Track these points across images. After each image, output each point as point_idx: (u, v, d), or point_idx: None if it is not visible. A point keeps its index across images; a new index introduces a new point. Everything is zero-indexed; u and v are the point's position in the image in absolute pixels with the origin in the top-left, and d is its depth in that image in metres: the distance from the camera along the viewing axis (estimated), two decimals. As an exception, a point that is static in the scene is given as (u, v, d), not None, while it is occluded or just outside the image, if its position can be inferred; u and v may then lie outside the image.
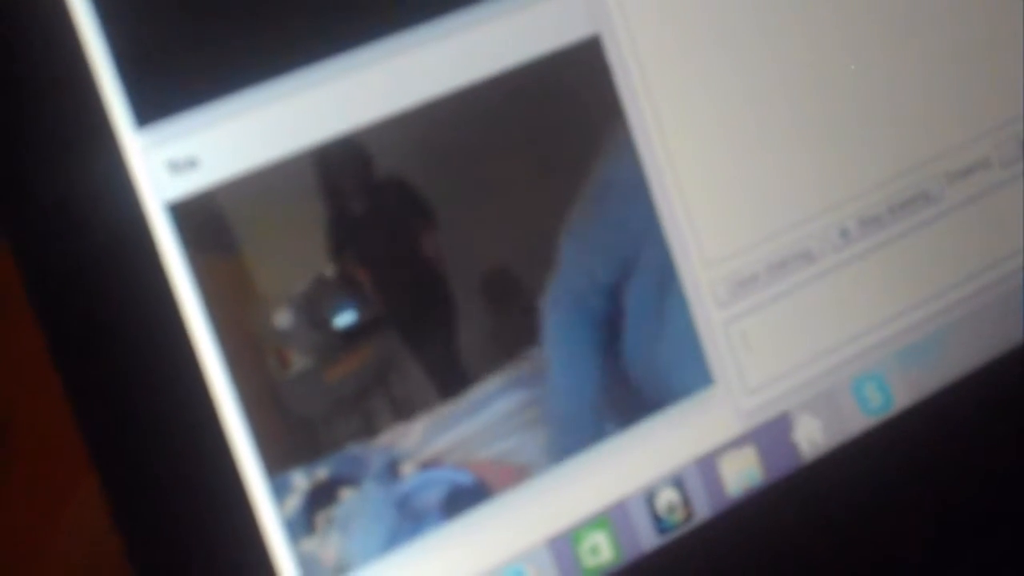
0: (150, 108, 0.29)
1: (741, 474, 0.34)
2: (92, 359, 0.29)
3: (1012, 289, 0.37)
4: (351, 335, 0.31)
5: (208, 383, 0.30)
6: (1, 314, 0.32)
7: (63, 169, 0.29)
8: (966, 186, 0.37)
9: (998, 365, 0.37)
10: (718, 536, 0.34)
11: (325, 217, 0.31)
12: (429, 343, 0.31)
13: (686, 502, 0.34)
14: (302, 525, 0.30)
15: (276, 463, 0.30)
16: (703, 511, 0.34)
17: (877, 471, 0.36)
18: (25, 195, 0.28)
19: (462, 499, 0.32)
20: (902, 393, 0.36)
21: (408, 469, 0.31)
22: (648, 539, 0.34)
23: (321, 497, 0.30)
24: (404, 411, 0.31)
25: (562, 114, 0.33)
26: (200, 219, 0.30)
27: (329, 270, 0.31)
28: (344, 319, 0.31)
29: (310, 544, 0.30)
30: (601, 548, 0.33)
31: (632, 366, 0.33)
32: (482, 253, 0.32)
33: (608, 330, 0.33)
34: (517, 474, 0.32)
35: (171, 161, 0.29)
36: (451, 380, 0.31)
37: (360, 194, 0.31)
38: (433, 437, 0.31)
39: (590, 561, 0.33)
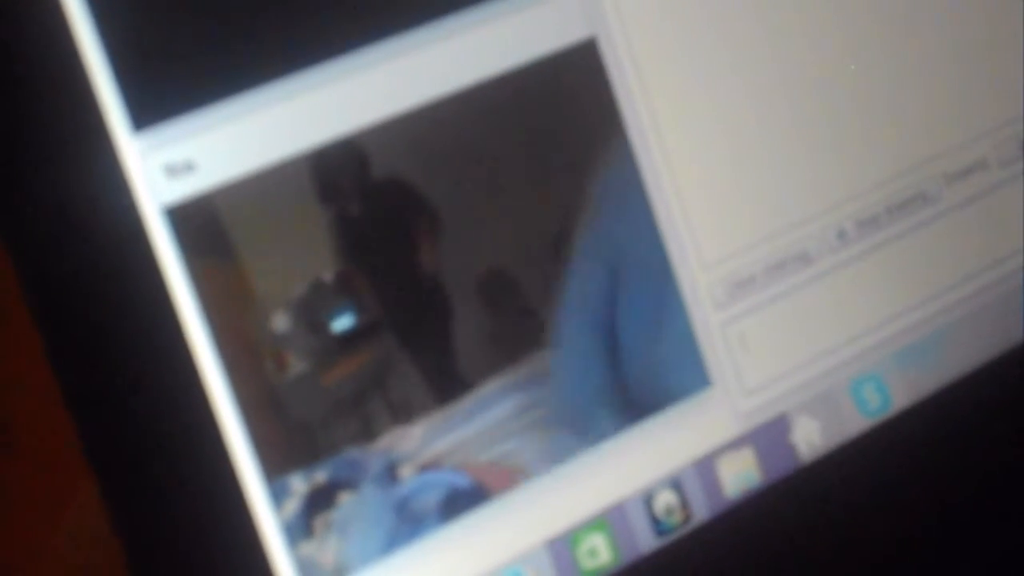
0: (147, 112, 0.29)
1: (739, 476, 0.34)
2: (89, 363, 0.29)
3: (1010, 290, 0.37)
4: (349, 339, 0.31)
5: (206, 387, 0.30)
6: (0, 316, 0.32)
7: (60, 173, 0.29)
8: (964, 187, 0.37)
9: (996, 366, 0.37)
10: (716, 538, 0.34)
11: (323, 220, 0.31)
12: (427, 346, 0.31)
13: (684, 504, 0.34)
14: (300, 529, 0.30)
15: (274, 467, 0.30)
16: (701, 513, 0.34)
17: (876, 472, 0.36)
18: (22, 199, 0.28)
19: (461, 502, 0.32)
20: (900, 394, 0.36)
21: (407, 472, 0.31)
22: (646, 541, 0.34)
23: (320, 500, 0.30)
24: (402, 414, 0.31)
25: (559, 117, 0.32)
26: (197, 223, 0.30)
27: (327, 273, 0.31)
28: (342, 323, 0.31)
29: (309, 548, 0.30)
30: (599, 550, 0.33)
31: (630, 368, 0.33)
32: (479, 256, 0.32)
33: (606, 332, 0.33)
34: (515, 476, 0.32)
35: (168, 165, 0.29)
36: (449, 383, 0.31)
37: (357, 197, 0.31)
38: (432, 440, 0.31)
39: (588, 563, 0.33)
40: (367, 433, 0.31)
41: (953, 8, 0.37)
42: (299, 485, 0.30)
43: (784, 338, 0.35)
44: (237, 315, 0.30)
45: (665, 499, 0.34)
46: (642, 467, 0.33)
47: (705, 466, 0.34)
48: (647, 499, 0.34)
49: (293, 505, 0.30)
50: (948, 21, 0.37)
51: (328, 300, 0.31)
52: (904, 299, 0.36)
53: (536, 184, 0.32)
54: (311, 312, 0.30)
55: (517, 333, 0.32)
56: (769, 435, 0.35)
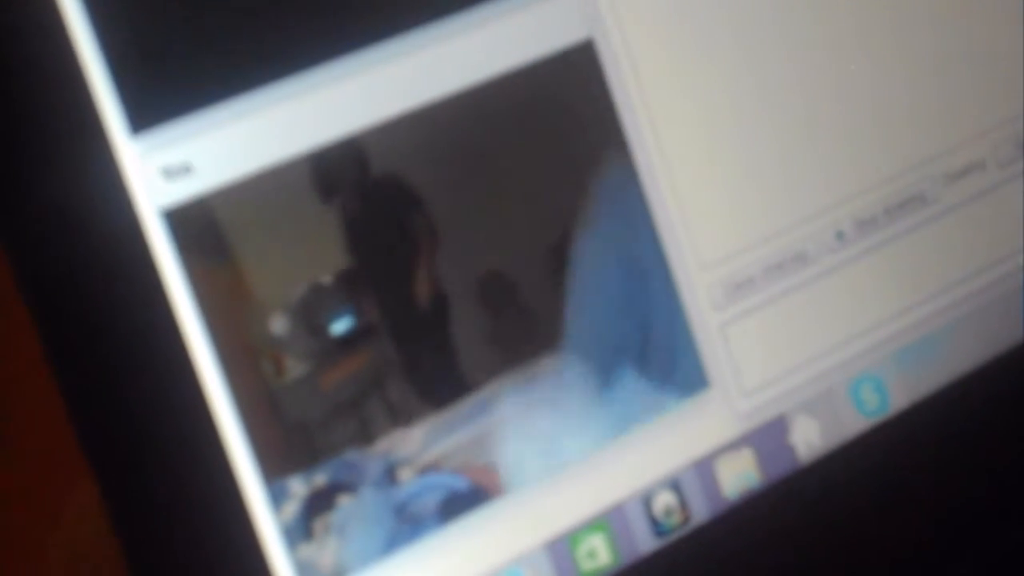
0: (144, 115, 0.29)
1: (738, 477, 0.34)
2: (88, 366, 0.29)
3: (1009, 290, 0.37)
4: (348, 341, 0.31)
5: (204, 390, 0.30)
6: (-1, 317, 0.32)
7: (58, 176, 0.29)
8: (963, 187, 0.37)
9: (995, 366, 0.37)
10: (715, 539, 0.34)
11: (321, 222, 0.31)
12: (427, 349, 0.31)
13: (683, 505, 0.34)
14: (300, 531, 0.30)
15: (273, 469, 0.30)
16: (700, 514, 0.34)
17: (875, 473, 0.36)
18: (21, 202, 0.28)
19: (460, 504, 0.32)
20: (899, 394, 0.36)
21: (406, 474, 0.31)
22: (645, 542, 0.34)
23: (319, 503, 0.30)
24: (402, 417, 0.31)
25: (556, 118, 0.32)
26: (195, 225, 0.30)
27: (325, 276, 0.31)
28: (341, 325, 0.31)
29: (308, 550, 0.30)
30: (598, 551, 0.33)
31: (629, 369, 0.33)
32: (478, 258, 0.32)
33: (605, 332, 0.33)
34: (514, 478, 0.32)
35: (165, 168, 0.29)
36: (449, 386, 0.31)
37: (355, 198, 0.31)
38: (431, 443, 0.31)
39: (587, 564, 0.33)
40: (366, 435, 0.31)
41: (951, 8, 0.37)
42: (298, 487, 0.30)
43: (783, 339, 0.35)
44: (235, 317, 0.30)
45: (664, 500, 0.34)
46: (641, 468, 0.33)
47: (704, 467, 0.34)
48: (646, 500, 0.34)
49: (292, 507, 0.30)
50: (945, 21, 0.37)
51: (326, 302, 0.31)
52: (903, 299, 0.36)
53: (534, 186, 0.32)
54: (310, 314, 0.30)
55: (516, 335, 0.32)
56: (768, 436, 0.35)
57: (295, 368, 0.30)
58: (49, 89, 0.29)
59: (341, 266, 0.31)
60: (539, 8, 0.32)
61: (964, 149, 0.37)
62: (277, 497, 0.30)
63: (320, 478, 0.30)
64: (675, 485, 0.34)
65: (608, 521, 0.33)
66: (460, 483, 0.32)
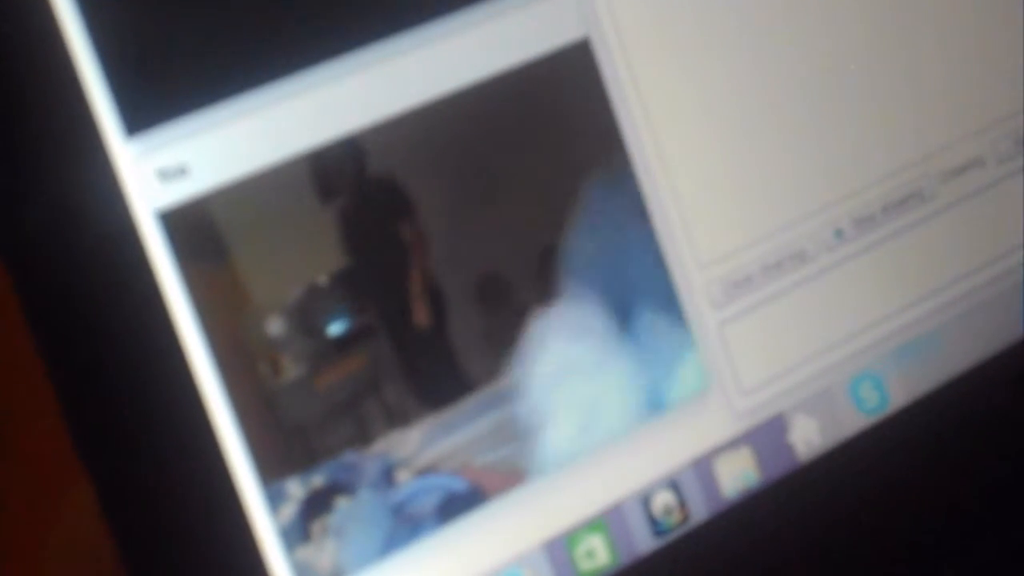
0: (139, 117, 0.29)
1: (737, 475, 0.34)
2: (84, 368, 0.29)
3: (1008, 287, 0.37)
4: (345, 342, 0.31)
5: (201, 391, 0.30)
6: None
7: (54, 179, 0.28)
8: (961, 184, 0.37)
9: (994, 363, 0.37)
10: (714, 538, 0.34)
11: (317, 223, 0.31)
12: (424, 351, 0.31)
13: (682, 504, 0.34)
14: (297, 533, 0.30)
15: (271, 471, 0.30)
16: (699, 513, 0.34)
17: (874, 471, 0.36)
18: (16, 205, 0.28)
19: (458, 505, 0.32)
20: (898, 392, 0.36)
21: (404, 476, 0.31)
22: (644, 542, 0.34)
23: (316, 505, 0.30)
24: (399, 418, 0.31)
25: (553, 117, 0.32)
26: (191, 227, 0.30)
27: (322, 277, 0.31)
28: (337, 327, 0.31)
29: (306, 552, 0.30)
30: (597, 551, 0.33)
31: (627, 368, 0.33)
32: (476, 259, 0.32)
33: (603, 333, 0.33)
34: (512, 479, 0.32)
35: (161, 169, 0.29)
36: (446, 387, 0.31)
37: (352, 199, 0.31)
38: (428, 444, 0.31)
39: (586, 564, 0.33)
40: (364, 437, 0.31)
41: (949, 5, 0.37)
42: (296, 489, 0.30)
43: (781, 337, 0.35)
44: (232, 319, 0.30)
45: (663, 499, 0.34)
46: (640, 467, 0.33)
47: (703, 466, 0.34)
48: (645, 499, 0.33)
49: (290, 509, 0.30)
50: (944, 18, 0.37)
51: (323, 304, 0.31)
52: (901, 297, 0.36)
53: (531, 186, 0.32)
54: (306, 316, 0.30)
55: (515, 337, 0.32)
56: (767, 434, 0.35)
57: (292, 369, 0.30)
58: (44, 91, 0.28)
59: (337, 267, 0.31)
60: (536, 7, 0.32)
61: (963, 146, 0.37)
62: (275, 499, 0.30)
63: (318, 480, 0.30)
64: (674, 484, 0.34)
65: (607, 521, 0.33)
66: (458, 484, 0.32)
